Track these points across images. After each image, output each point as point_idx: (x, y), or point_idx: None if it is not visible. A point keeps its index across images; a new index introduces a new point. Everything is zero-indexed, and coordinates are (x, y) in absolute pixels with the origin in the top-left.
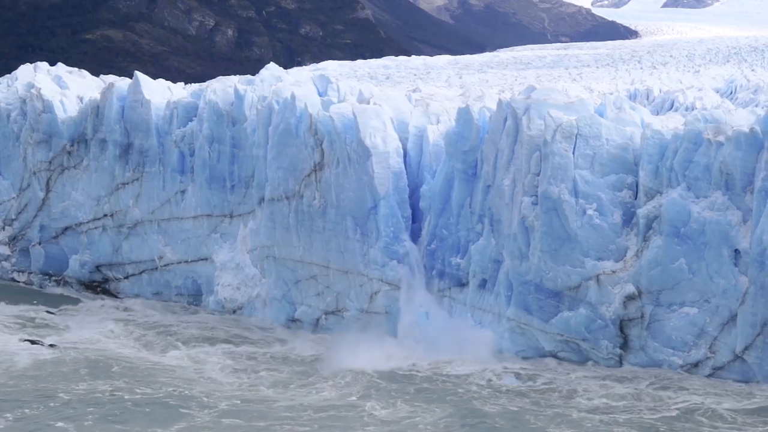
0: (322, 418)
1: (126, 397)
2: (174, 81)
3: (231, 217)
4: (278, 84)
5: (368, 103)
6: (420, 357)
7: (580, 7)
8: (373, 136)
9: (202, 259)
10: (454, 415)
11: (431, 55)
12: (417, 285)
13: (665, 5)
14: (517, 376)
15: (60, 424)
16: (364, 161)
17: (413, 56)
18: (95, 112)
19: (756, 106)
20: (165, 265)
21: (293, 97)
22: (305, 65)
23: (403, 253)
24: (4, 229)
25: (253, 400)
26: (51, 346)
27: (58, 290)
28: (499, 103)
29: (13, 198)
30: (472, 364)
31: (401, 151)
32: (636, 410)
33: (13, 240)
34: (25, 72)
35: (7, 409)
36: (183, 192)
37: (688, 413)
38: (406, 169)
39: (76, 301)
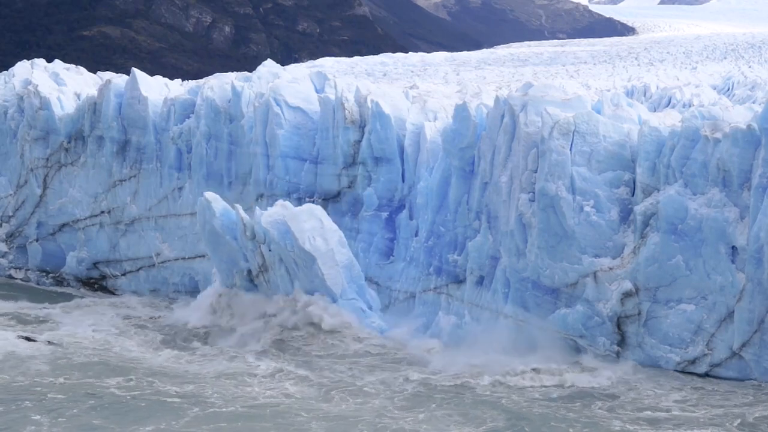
0: (343, 425)
1: (122, 393)
2: (171, 78)
3: None
4: (276, 81)
5: (365, 100)
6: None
7: (578, 3)
8: (312, 238)
9: (199, 256)
10: (496, 425)
11: (428, 52)
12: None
13: (662, 2)
14: (535, 377)
15: (37, 417)
16: (311, 265)
17: (410, 53)
18: (92, 108)
19: (753, 102)
20: (162, 262)
21: (207, 200)
22: (302, 62)
23: (379, 330)
24: (1, 226)
25: (261, 404)
26: (48, 342)
27: (56, 287)
28: (497, 99)
29: (11, 195)
30: (483, 368)
31: (344, 240)
32: (669, 418)
33: (10, 237)
34: (22, 69)
35: None
36: (180, 189)
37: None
38: (403, 166)
39: (73, 298)
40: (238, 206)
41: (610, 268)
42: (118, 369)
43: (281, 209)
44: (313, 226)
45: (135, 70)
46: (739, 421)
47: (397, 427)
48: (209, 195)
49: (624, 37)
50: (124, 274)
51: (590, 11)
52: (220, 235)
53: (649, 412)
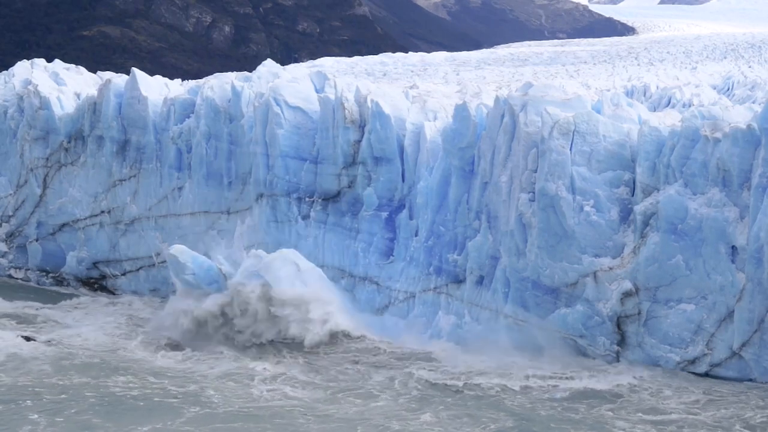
0: (346, 427)
1: (122, 393)
2: (171, 77)
3: (228, 213)
4: (276, 80)
5: (365, 99)
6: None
7: (578, 3)
8: (292, 284)
9: None
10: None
11: (428, 52)
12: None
13: (662, 2)
14: (537, 378)
15: (37, 416)
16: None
17: (410, 53)
18: (92, 108)
19: (753, 102)
20: (162, 262)
21: (174, 256)
22: (302, 62)
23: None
24: (1, 225)
25: (262, 405)
26: (48, 342)
27: (56, 287)
28: (497, 99)
29: (10, 195)
30: (484, 369)
31: (323, 275)
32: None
33: (10, 236)
34: (22, 69)
35: None
36: (180, 189)
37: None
38: (403, 166)
39: (73, 298)
40: (219, 257)
41: (610, 268)
42: (118, 369)
43: (255, 260)
44: (289, 272)
45: (135, 70)
46: (743, 424)
47: (401, 428)
48: (176, 249)
49: (624, 37)
50: (124, 274)
51: (590, 11)
52: (196, 285)
53: (653, 414)
